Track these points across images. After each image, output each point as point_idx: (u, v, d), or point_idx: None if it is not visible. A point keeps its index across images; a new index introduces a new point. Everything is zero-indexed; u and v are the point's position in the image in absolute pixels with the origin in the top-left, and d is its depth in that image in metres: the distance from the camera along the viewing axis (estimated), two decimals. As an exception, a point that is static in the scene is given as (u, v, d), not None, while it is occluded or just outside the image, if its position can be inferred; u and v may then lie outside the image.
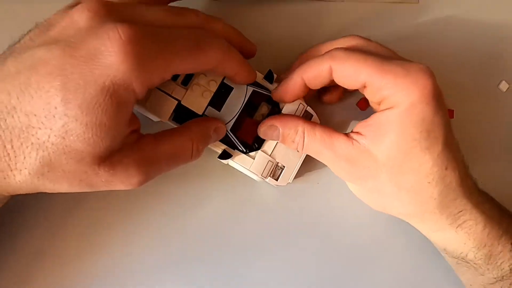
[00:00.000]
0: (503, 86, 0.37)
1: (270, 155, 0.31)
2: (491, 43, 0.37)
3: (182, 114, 0.29)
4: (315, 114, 0.32)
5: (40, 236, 0.31)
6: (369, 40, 0.29)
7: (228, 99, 0.30)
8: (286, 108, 0.31)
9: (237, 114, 0.30)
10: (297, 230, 0.33)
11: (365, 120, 0.28)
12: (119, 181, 0.24)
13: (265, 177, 0.31)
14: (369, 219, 0.34)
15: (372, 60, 0.26)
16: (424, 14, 0.37)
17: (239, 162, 0.30)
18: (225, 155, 0.30)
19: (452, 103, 0.35)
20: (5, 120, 0.21)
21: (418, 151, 0.26)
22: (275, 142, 0.31)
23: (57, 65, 0.20)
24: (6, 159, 0.21)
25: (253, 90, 0.30)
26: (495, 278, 0.29)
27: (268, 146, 0.31)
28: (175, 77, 0.29)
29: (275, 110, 0.31)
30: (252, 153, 0.31)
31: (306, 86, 0.29)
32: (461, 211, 0.28)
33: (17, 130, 0.21)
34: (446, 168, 0.27)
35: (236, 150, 0.30)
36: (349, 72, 0.27)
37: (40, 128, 0.21)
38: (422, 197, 0.27)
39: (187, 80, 0.29)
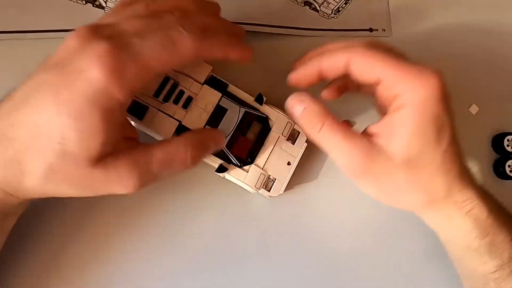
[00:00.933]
0: (473, 109, 0.41)
1: (262, 168, 0.34)
2: (460, 70, 0.41)
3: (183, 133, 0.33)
4: (302, 131, 0.36)
5: (48, 244, 0.34)
6: (383, 43, 0.31)
7: (223, 119, 0.33)
8: (276, 127, 0.35)
9: (232, 132, 0.33)
10: (288, 239, 0.36)
11: (378, 122, 0.29)
12: (114, 184, 0.26)
13: (258, 189, 0.34)
14: (354, 229, 0.37)
15: (389, 57, 0.28)
16: (397, 45, 0.41)
17: (234, 175, 0.34)
18: (221, 169, 0.33)
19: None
20: (16, 132, 0.25)
21: (431, 147, 0.28)
22: (267, 156, 0.34)
23: (52, 83, 0.24)
24: (18, 166, 0.25)
25: (245, 111, 0.34)
26: (496, 266, 0.31)
27: (260, 160, 0.34)
28: (176, 101, 0.33)
29: (266, 128, 0.35)
30: (246, 167, 0.34)
31: (320, 75, 0.30)
32: (466, 200, 0.29)
33: (25, 140, 0.24)
34: (451, 162, 0.29)
35: (231, 165, 0.34)
36: (366, 66, 0.28)
37: (42, 137, 0.24)
38: (434, 188, 0.29)
39: (187, 103, 0.33)
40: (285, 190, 0.35)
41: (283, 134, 0.35)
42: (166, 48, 0.25)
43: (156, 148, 0.27)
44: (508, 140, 0.40)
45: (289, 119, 0.35)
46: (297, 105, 0.30)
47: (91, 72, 0.24)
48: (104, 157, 0.25)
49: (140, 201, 0.35)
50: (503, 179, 0.41)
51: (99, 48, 0.24)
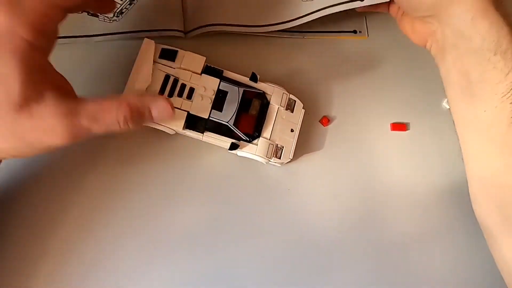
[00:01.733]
0: (446, 103, 0.42)
1: (269, 139, 0.37)
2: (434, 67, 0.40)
3: (193, 122, 0.36)
4: (298, 99, 0.39)
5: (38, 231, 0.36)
6: None
7: (226, 101, 0.36)
8: (273, 99, 0.38)
9: (236, 111, 0.36)
10: (301, 204, 0.39)
11: None
12: (43, 133, 0.26)
13: (270, 158, 0.37)
14: (358, 197, 0.40)
15: None
16: (373, 46, 0.44)
17: (246, 150, 0.37)
18: (233, 147, 0.36)
19: (407, 118, 0.42)
20: None
21: None
22: (271, 128, 0.37)
23: None
24: None
25: (244, 90, 0.37)
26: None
27: (266, 132, 0.37)
28: (180, 94, 0.36)
29: (265, 102, 0.38)
30: (254, 141, 0.37)
31: None
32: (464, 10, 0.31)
33: None
34: None
35: (241, 141, 0.37)
36: None
37: None
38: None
39: (190, 94, 0.36)
40: (293, 160, 0.38)
41: (281, 105, 0.38)
42: None
43: (89, 101, 0.28)
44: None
45: (284, 91, 0.38)
46: None
47: None
48: (29, 103, 0.25)
49: (156, 180, 0.38)
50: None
51: None
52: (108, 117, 0.28)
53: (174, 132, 0.36)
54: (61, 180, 0.37)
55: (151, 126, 0.36)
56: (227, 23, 0.40)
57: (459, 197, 0.39)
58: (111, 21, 0.39)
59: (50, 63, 0.28)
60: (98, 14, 0.39)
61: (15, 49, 0.25)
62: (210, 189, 0.39)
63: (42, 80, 0.26)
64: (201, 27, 0.40)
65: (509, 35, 0.30)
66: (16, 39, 0.25)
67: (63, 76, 0.28)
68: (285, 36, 0.42)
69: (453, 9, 0.31)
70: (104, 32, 0.39)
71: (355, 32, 0.44)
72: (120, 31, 0.39)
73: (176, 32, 0.40)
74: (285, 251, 0.38)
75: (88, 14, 0.39)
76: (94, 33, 0.38)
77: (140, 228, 0.37)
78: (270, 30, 0.40)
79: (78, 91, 0.38)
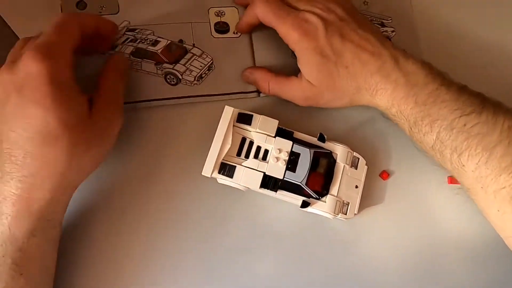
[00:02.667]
0: None
1: (336, 196, 0.40)
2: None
3: (268, 182, 0.39)
4: (361, 157, 0.42)
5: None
6: None
7: (299, 162, 0.39)
8: (339, 158, 0.40)
9: (308, 171, 0.39)
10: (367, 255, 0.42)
11: None
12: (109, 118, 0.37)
13: (337, 214, 0.40)
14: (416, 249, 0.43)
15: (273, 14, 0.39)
16: None
17: (316, 207, 0.40)
18: (304, 204, 0.39)
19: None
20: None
21: (325, 68, 0.39)
22: (338, 185, 0.40)
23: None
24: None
25: (314, 151, 0.40)
26: (409, 127, 0.39)
27: (334, 190, 0.40)
28: (256, 156, 0.39)
29: (332, 161, 0.40)
30: (323, 198, 0.40)
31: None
32: (372, 85, 0.39)
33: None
34: (347, 67, 0.39)
35: (311, 199, 0.40)
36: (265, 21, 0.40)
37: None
38: (346, 91, 0.40)
39: (265, 156, 0.39)
40: (357, 212, 0.41)
41: (347, 162, 0.41)
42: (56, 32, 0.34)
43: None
44: None
45: (349, 149, 0.41)
46: (250, 76, 0.43)
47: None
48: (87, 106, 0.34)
49: (229, 232, 0.41)
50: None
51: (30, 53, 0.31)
52: None
53: (247, 189, 0.39)
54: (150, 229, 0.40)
55: (227, 184, 0.39)
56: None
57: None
58: (192, 84, 0.43)
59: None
60: (180, 79, 0.42)
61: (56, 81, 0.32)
62: (279, 242, 0.41)
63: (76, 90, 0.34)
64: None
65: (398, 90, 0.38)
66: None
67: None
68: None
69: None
70: (186, 95, 0.42)
71: None
72: (200, 94, 0.43)
73: (251, 93, 0.44)
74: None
75: (170, 84, 0.42)
76: (177, 96, 0.42)
77: (208, 278, 0.40)
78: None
79: (162, 146, 0.42)
